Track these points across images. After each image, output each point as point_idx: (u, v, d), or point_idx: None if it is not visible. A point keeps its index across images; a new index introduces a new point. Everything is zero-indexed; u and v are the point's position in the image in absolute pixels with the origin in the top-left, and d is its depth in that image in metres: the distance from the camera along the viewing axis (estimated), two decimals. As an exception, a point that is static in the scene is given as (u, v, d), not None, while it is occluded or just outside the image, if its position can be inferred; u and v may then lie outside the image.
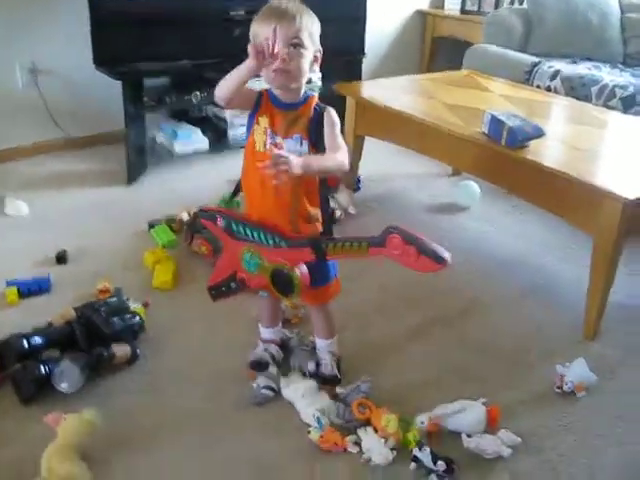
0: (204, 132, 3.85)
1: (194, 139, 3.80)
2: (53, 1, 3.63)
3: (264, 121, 1.83)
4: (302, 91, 1.84)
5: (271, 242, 1.84)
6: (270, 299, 2.10)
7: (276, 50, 1.68)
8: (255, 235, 1.86)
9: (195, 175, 3.67)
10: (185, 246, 2.84)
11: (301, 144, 1.82)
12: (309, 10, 1.81)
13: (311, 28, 1.78)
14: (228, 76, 1.78)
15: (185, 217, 2.99)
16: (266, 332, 2.20)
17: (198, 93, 3.67)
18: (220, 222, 1.92)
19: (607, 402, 2.13)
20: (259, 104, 1.85)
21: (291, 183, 1.80)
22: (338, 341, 2.15)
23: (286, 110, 1.83)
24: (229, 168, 3.63)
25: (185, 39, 3.53)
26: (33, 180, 3.54)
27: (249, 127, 1.88)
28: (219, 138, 3.90)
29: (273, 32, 1.67)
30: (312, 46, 1.79)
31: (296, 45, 1.74)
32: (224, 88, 1.79)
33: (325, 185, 1.87)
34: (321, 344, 2.13)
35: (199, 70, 3.73)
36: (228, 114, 3.89)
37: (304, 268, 1.81)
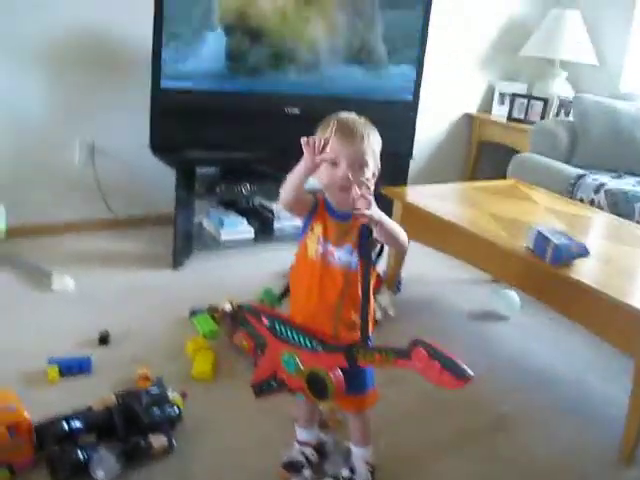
0: (250, 222, 3.93)
1: (240, 228, 3.89)
2: (121, 85, 3.80)
3: (318, 229, 1.89)
4: None
5: (309, 345, 1.87)
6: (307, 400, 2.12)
7: (331, 157, 1.76)
8: (295, 337, 1.90)
9: (239, 265, 3.73)
10: (226, 338, 2.87)
11: (351, 254, 1.86)
12: (373, 128, 1.88)
13: (375, 147, 1.86)
14: (288, 179, 1.85)
15: (228, 307, 3.02)
16: (302, 433, 2.20)
17: (248, 185, 3.76)
18: (265, 320, 1.96)
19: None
20: (315, 211, 1.91)
21: (339, 287, 1.86)
22: (373, 450, 2.14)
23: (340, 221, 1.88)
24: (273, 260, 3.72)
25: (239, 132, 3.65)
26: (80, 257, 3.62)
27: (303, 231, 1.93)
28: (265, 229, 3.99)
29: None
30: (373, 163, 1.86)
31: (361, 166, 1.81)
32: (287, 191, 1.86)
33: (368, 289, 1.89)
34: (356, 452, 2.12)
35: (250, 163, 3.85)
36: (275, 206, 3.97)
37: (339, 373, 1.84)
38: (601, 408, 2.71)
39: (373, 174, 1.87)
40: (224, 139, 3.64)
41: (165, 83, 3.41)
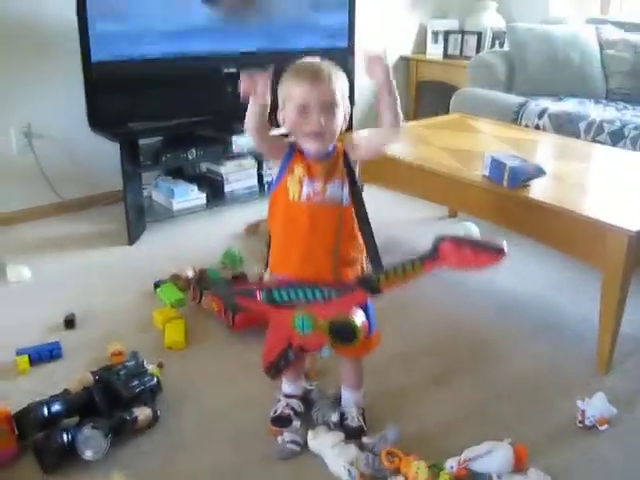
0: (200, 188, 3.87)
1: (191, 196, 3.82)
2: (47, 65, 3.67)
3: (299, 170, 1.83)
4: (331, 147, 1.85)
5: (319, 296, 1.79)
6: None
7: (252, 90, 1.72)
8: (301, 295, 1.80)
9: (195, 231, 3.68)
10: (193, 304, 2.84)
11: (342, 189, 1.83)
12: (339, 68, 1.83)
13: (343, 87, 1.80)
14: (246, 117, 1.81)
15: (190, 274, 2.99)
16: (288, 387, 2.18)
17: (194, 150, 3.70)
18: (260, 295, 1.84)
19: (630, 433, 2.14)
20: (292, 154, 1.86)
21: (334, 226, 1.83)
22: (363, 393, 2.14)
23: (321, 159, 1.83)
24: (228, 222, 3.71)
25: (178, 98, 3.58)
26: (32, 245, 3.52)
27: (280, 176, 1.87)
28: (216, 193, 3.93)
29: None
30: (344, 105, 1.81)
31: (331, 107, 1.76)
32: (248, 121, 1.81)
33: (367, 222, 1.87)
34: (348, 395, 2.12)
35: (193, 128, 3.78)
36: (223, 170, 3.92)
37: (360, 313, 1.77)
38: (573, 323, 2.76)
39: (344, 116, 1.82)
40: (164, 107, 3.56)
41: (95, 56, 3.30)
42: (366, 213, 1.88)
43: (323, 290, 1.79)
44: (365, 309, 1.82)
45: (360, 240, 1.90)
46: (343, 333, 1.77)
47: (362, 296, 1.79)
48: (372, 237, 1.88)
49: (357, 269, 1.92)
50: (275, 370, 1.99)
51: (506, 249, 1.66)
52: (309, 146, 1.81)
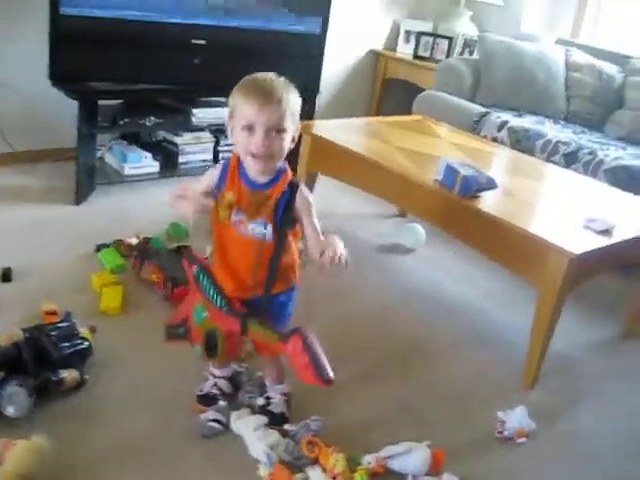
0: (155, 157, 3.83)
1: (144, 163, 3.77)
2: (11, 13, 3.58)
3: (230, 197, 1.83)
4: (277, 169, 1.83)
5: (217, 302, 1.89)
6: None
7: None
8: (210, 291, 1.90)
9: (144, 199, 3.63)
10: (134, 272, 2.81)
11: (265, 227, 1.83)
12: (292, 87, 1.79)
13: (294, 109, 1.77)
14: None
15: (134, 242, 2.97)
16: (218, 368, 2.19)
17: (152, 117, 3.66)
18: (194, 269, 1.94)
19: (545, 449, 2.20)
20: (225, 177, 1.86)
21: (252, 256, 1.86)
22: (288, 381, 2.16)
23: (255, 191, 1.82)
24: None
25: (144, 63, 3.53)
26: (-25, 194, 3.43)
27: (219, 186, 1.88)
28: (170, 163, 3.89)
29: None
30: (293, 126, 1.78)
31: (279, 131, 1.74)
32: None
33: (278, 257, 1.87)
34: (271, 387, 2.15)
35: (155, 95, 3.74)
36: (179, 140, 3.89)
37: (234, 340, 1.93)
38: (505, 334, 2.82)
39: (293, 138, 1.81)
40: (128, 70, 3.51)
41: (65, 9, 3.23)
42: (279, 255, 1.87)
43: (222, 299, 1.88)
44: (284, 307, 1.96)
45: (288, 258, 1.91)
46: (209, 345, 1.94)
47: (237, 327, 1.88)
48: (274, 275, 1.88)
49: (290, 278, 1.94)
50: (168, 333, 2.06)
51: (332, 380, 1.76)
52: (251, 165, 1.79)
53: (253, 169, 1.80)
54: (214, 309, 1.90)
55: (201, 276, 1.92)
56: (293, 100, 1.77)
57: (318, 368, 1.73)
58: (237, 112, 1.75)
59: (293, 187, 1.82)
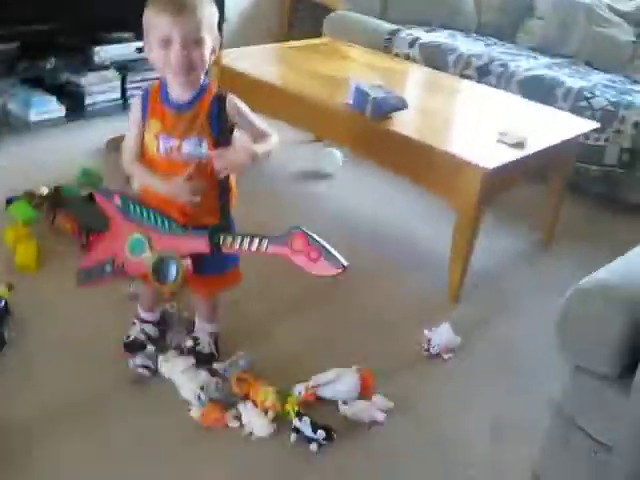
0: (60, 100, 3.67)
1: (50, 107, 3.61)
2: None
3: (156, 125, 1.78)
4: (200, 82, 1.78)
5: (167, 227, 1.80)
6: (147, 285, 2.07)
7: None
8: (152, 218, 1.82)
9: (52, 146, 3.49)
10: (47, 223, 2.72)
11: (200, 145, 1.77)
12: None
13: (211, 19, 1.71)
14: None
15: (45, 191, 2.86)
16: (144, 312, 2.16)
17: (53, 59, 3.50)
18: (117, 200, 1.86)
19: (472, 362, 2.26)
20: (147, 106, 1.80)
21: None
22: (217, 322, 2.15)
23: (180, 111, 1.77)
24: (88, 137, 3.56)
25: (36, 2, 3.35)
26: None
27: (144, 117, 1.82)
28: (76, 106, 3.73)
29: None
30: (211, 38, 1.72)
31: (197, 42, 1.67)
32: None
33: (223, 181, 1.84)
34: (201, 326, 2.13)
35: (53, 35, 3.56)
36: (84, 81, 3.74)
37: (189, 261, 1.80)
38: (426, 254, 2.85)
39: (213, 50, 1.75)
40: (20, 11, 3.32)
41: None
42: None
43: (172, 223, 1.80)
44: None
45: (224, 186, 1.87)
46: (161, 272, 1.81)
47: (204, 246, 1.80)
48: (226, 195, 1.85)
49: (216, 217, 1.88)
50: (85, 277, 1.99)
51: (346, 266, 1.73)
52: (173, 81, 1.75)
53: (176, 85, 1.76)
54: (161, 236, 1.81)
55: (131, 206, 1.84)
56: (208, 9, 1.71)
57: (332, 257, 1.72)
58: (151, 28, 1.70)
59: (220, 97, 1.78)
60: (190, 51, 1.68)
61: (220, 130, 1.78)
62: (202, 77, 1.78)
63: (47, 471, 1.73)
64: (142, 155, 1.86)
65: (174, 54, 1.67)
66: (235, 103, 1.81)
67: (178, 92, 1.77)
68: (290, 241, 1.72)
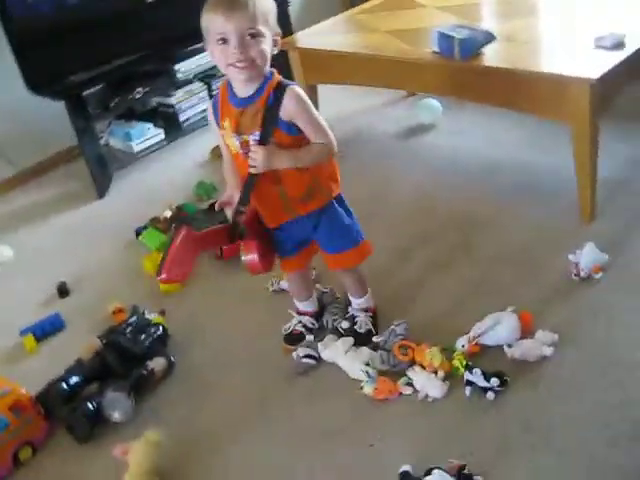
0: (156, 124, 3.80)
1: (149, 134, 3.74)
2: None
3: (228, 124, 1.80)
4: (263, 76, 1.76)
5: None
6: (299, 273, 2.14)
7: None
8: None
9: (161, 168, 3.62)
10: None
11: None
12: None
13: (266, 11, 1.70)
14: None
15: (168, 214, 2.97)
16: (301, 304, 2.22)
17: (140, 88, 3.61)
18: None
19: (625, 276, 2.20)
20: (218, 109, 1.83)
21: (270, 174, 1.81)
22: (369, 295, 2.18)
23: (244, 107, 1.77)
24: (192, 152, 3.68)
25: (110, 39, 3.44)
26: (4, 222, 3.41)
27: (217, 122, 1.86)
28: (172, 126, 3.85)
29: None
30: (269, 30, 1.71)
31: (253, 36, 1.67)
32: None
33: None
34: (354, 302, 2.17)
35: (133, 66, 3.66)
36: (174, 100, 3.84)
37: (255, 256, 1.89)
38: (548, 181, 2.78)
39: (275, 42, 1.74)
40: (98, 52, 3.42)
41: (12, 11, 3.15)
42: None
43: None
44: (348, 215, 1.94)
45: (307, 173, 1.85)
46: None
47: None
48: (250, 188, 1.83)
49: (313, 202, 1.89)
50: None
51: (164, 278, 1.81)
52: (235, 77, 1.74)
53: (238, 81, 1.76)
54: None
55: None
56: (261, 2, 1.70)
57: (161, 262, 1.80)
58: (209, 30, 1.71)
59: (280, 90, 1.75)
60: (247, 46, 1.67)
61: (269, 126, 1.76)
62: (265, 70, 1.75)
63: (240, 463, 1.85)
64: (231, 156, 1.89)
65: (231, 51, 1.67)
66: (295, 96, 1.76)
67: (241, 88, 1.77)
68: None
